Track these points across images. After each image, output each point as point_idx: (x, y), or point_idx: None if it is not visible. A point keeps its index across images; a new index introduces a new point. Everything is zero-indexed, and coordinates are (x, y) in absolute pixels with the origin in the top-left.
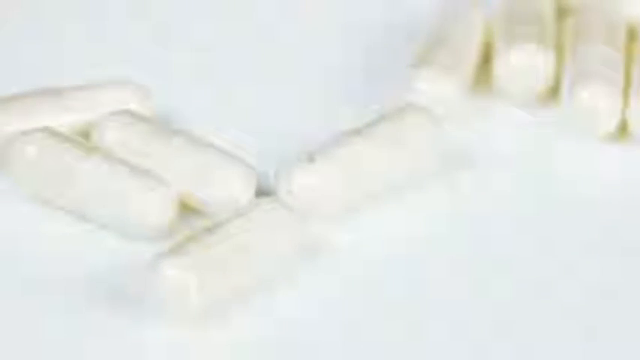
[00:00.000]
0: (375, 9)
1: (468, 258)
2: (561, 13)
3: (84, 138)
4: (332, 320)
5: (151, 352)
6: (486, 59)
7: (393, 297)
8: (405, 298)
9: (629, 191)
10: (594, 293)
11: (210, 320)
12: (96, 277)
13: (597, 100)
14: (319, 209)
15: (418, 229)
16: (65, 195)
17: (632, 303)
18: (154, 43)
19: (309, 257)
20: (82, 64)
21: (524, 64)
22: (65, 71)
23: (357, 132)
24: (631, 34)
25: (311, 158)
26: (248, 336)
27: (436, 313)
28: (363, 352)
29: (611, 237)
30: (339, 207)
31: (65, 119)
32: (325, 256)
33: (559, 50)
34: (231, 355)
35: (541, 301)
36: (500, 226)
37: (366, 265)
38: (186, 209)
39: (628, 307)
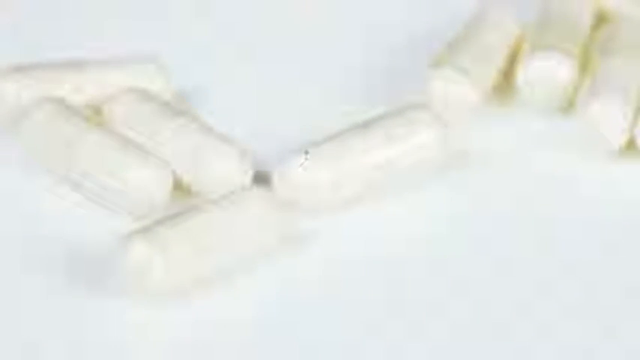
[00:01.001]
0: (403, 10)
1: (457, 258)
2: (600, 20)
3: (96, 112)
4: (295, 312)
5: (112, 329)
6: (513, 65)
7: (369, 291)
8: (382, 292)
9: (629, 192)
10: (595, 293)
11: (173, 299)
12: (75, 253)
13: (608, 115)
14: (309, 201)
15: (407, 228)
16: (66, 165)
17: (633, 302)
18: (190, 24)
19: (289, 245)
20: (115, 38)
21: (545, 72)
22: (99, 44)
23: (356, 127)
24: None
25: (305, 150)
26: (209, 316)
27: (419, 313)
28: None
29: (612, 237)
30: (329, 200)
31: (82, 92)
32: (307, 245)
33: (585, 60)
34: (190, 336)
35: (541, 301)
36: (499, 227)
37: (348, 259)
38: (182, 189)
39: (629, 306)
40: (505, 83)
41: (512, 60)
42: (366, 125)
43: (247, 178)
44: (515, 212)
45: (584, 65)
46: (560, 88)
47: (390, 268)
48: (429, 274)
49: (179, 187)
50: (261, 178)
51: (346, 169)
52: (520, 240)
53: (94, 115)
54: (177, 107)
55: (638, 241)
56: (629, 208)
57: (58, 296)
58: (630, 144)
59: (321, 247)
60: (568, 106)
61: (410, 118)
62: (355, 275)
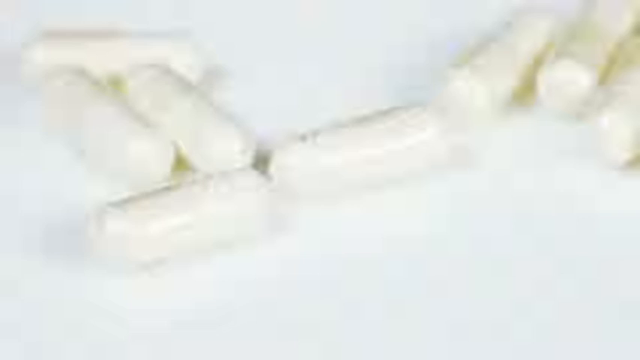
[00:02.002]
0: (425, 10)
1: (453, 254)
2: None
3: (116, 85)
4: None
5: (88, 302)
6: (535, 71)
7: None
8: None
9: (627, 195)
10: (594, 293)
11: (148, 274)
12: (54, 225)
13: (616, 127)
14: (304, 188)
15: (404, 223)
16: (76, 133)
17: (633, 302)
18: (227, 5)
19: (274, 230)
20: (151, 11)
21: (565, 80)
22: (135, 16)
23: (358, 121)
24: None
25: (303, 137)
26: (186, 296)
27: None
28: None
29: (611, 237)
30: (324, 189)
31: (108, 63)
32: (291, 232)
33: (607, 72)
34: (170, 307)
35: (540, 300)
36: (496, 227)
37: (335, 251)
38: (183, 166)
39: (629, 307)
40: (526, 88)
41: (536, 65)
42: (368, 119)
43: (247, 161)
44: (514, 214)
45: (604, 76)
46: (579, 97)
47: (377, 263)
48: (385, 273)
49: (181, 164)
50: (262, 163)
51: (344, 159)
52: (519, 240)
53: (114, 87)
54: (193, 86)
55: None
56: (625, 213)
57: (36, 269)
58: (636, 159)
59: (308, 236)
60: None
61: (413, 115)
62: (345, 268)
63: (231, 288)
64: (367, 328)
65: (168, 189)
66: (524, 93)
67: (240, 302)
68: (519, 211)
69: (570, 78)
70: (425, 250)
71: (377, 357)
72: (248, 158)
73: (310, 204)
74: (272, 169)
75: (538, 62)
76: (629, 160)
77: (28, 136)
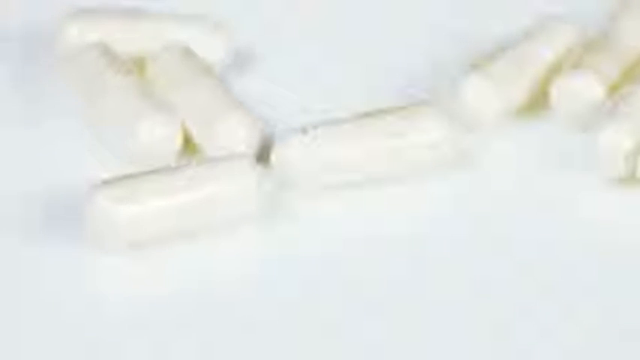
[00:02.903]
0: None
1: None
2: None
3: (138, 64)
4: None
5: (86, 280)
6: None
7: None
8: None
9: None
10: (592, 293)
11: (142, 252)
12: (51, 202)
13: (616, 141)
14: (304, 181)
15: (392, 223)
16: (91, 109)
17: (631, 303)
18: None
19: (268, 219)
20: None
21: (576, 90)
22: None
23: (362, 116)
24: None
25: (304, 130)
26: (179, 268)
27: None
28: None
29: (611, 237)
30: (323, 182)
31: (136, 43)
32: (282, 222)
33: (617, 86)
34: (163, 288)
35: (540, 300)
36: (495, 226)
37: (321, 245)
38: (190, 147)
39: (627, 308)
40: (540, 96)
41: (552, 75)
42: (372, 115)
43: (251, 148)
44: (508, 218)
45: (613, 89)
46: (590, 109)
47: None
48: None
49: (189, 146)
50: (267, 152)
51: (344, 154)
52: (511, 245)
53: (137, 66)
54: (211, 69)
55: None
56: (620, 223)
57: (33, 246)
58: (632, 175)
59: (303, 227)
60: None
61: (418, 113)
62: (336, 262)
63: (220, 273)
64: (362, 323)
65: (161, 170)
66: (538, 101)
67: (227, 288)
68: (513, 217)
69: (583, 89)
70: (419, 249)
71: (374, 336)
72: (253, 146)
73: (308, 196)
74: (272, 159)
75: (554, 72)
76: (628, 175)
77: (51, 112)
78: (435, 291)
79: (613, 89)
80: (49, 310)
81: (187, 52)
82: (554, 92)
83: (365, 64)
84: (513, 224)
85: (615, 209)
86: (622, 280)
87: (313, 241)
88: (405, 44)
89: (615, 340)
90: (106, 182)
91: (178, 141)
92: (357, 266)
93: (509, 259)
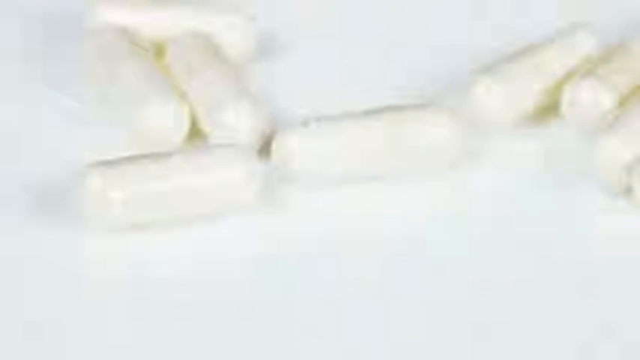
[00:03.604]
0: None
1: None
2: None
3: (158, 50)
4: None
5: (71, 262)
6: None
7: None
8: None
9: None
10: (589, 293)
11: (132, 234)
12: (37, 185)
13: (614, 154)
14: (303, 172)
15: (385, 220)
16: (103, 89)
17: (628, 305)
18: None
19: (262, 208)
20: None
21: (586, 99)
22: None
23: (366, 112)
24: None
25: (305, 122)
26: (168, 253)
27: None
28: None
29: (609, 242)
30: (318, 175)
31: (160, 29)
32: (275, 213)
33: (627, 98)
34: (150, 271)
35: (539, 300)
36: (489, 227)
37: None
38: (198, 134)
39: (623, 309)
40: (552, 102)
41: (567, 82)
42: (377, 111)
43: (254, 139)
44: (510, 219)
45: (623, 102)
46: (599, 118)
47: (362, 246)
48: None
49: (197, 132)
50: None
51: (344, 147)
52: (501, 243)
53: (155, 51)
54: (226, 58)
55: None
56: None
57: (18, 228)
58: (628, 189)
59: (297, 217)
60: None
61: (425, 112)
62: (327, 249)
63: (209, 259)
64: (353, 318)
65: (158, 154)
66: (551, 108)
67: (217, 276)
68: (509, 220)
69: (591, 99)
70: (411, 247)
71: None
72: (256, 136)
73: (305, 188)
74: (273, 150)
75: (569, 80)
76: (627, 186)
77: (66, 92)
78: (429, 288)
79: (623, 100)
80: (44, 290)
81: (205, 40)
82: (564, 100)
83: (385, 60)
84: (509, 227)
85: (611, 218)
86: (620, 279)
87: (303, 234)
88: (425, 43)
89: (607, 344)
90: (101, 163)
91: (185, 126)
92: (341, 265)
93: (506, 259)
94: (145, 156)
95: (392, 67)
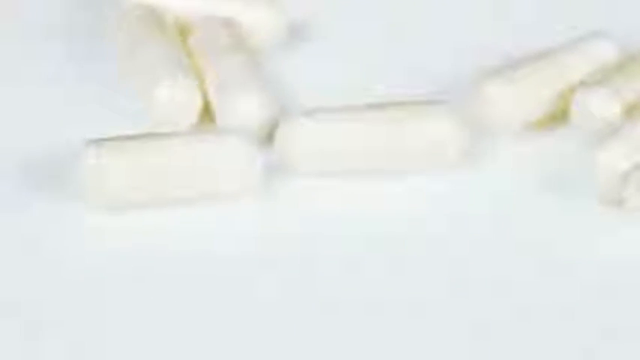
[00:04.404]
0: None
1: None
2: None
3: (181, 31)
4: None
5: (70, 236)
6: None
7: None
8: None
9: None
10: (587, 295)
11: (130, 209)
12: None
13: (611, 165)
14: (297, 164)
15: (393, 209)
16: (124, 65)
17: (627, 309)
18: None
19: (257, 197)
20: None
21: (593, 107)
22: None
23: (370, 106)
24: None
25: (307, 113)
26: (164, 226)
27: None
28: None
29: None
30: (318, 167)
31: (187, 10)
32: (269, 202)
33: (634, 108)
34: (147, 245)
35: (539, 301)
36: (487, 228)
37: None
38: (208, 117)
39: (622, 313)
40: (562, 109)
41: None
42: (381, 106)
43: (261, 127)
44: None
45: (630, 112)
46: (604, 127)
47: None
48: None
49: (207, 115)
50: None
51: (344, 141)
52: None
53: (181, 33)
54: (246, 44)
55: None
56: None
57: (15, 202)
58: (620, 202)
59: (292, 208)
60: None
61: (427, 109)
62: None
63: (207, 235)
64: (349, 316)
65: (160, 134)
66: (560, 115)
67: (215, 252)
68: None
69: (598, 107)
70: (404, 246)
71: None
72: (262, 125)
73: (303, 179)
74: (274, 141)
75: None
76: (622, 197)
77: (107, 70)
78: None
79: (630, 109)
80: (43, 266)
81: (228, 24)
82: (572, 108)
83: (401, 56)
84: (507, 228)
85: (610, 224)
86: (620, 284)
87: (292, 225)
88: (445, 42)
89: (608, 347)
90: (101, 140)
91: (196, 109)
92: (338, 264)
93: (506, 261)
94: (145, 135)
95: (408, 63)
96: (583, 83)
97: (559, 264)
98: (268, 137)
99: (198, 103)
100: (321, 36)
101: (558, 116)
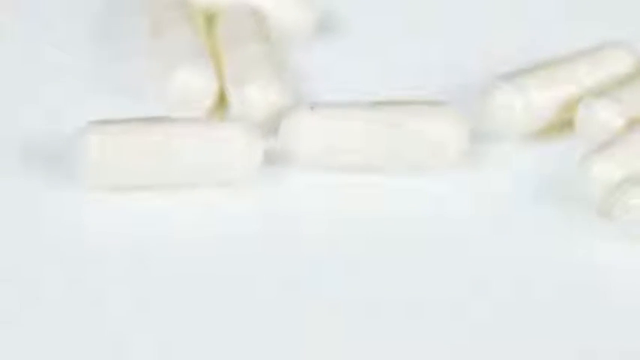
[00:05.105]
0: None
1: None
2: None
3: (208, 19)
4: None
5: (68, 219)
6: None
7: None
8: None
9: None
10: (583, 292)
11: (128, 192)
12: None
13: (604, 174)
14: (305, 156)
15: (392, 207)
16: (149, 48)
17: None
18: None
19: (253, 187)
20: None
21: (597, 117)
22: None
23: (376, 103)
24: None
25: (312, 106)
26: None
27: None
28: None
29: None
30: (319, 161)
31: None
32: (265, 192)
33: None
34: (147, 227)
35: (539, 300)
36: (486, 228)
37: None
38: (223, 107)
39: (617, 310)
40: (570, 117)
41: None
42: (387, 103)
43: (270, 117)
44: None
45: (632, 124)
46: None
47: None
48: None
49: (222, 103)
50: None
51: (345, 136)
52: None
53: (206, 20)
54: (269, 34)
55: None
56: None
57: (14, 185)
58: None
59: (288, 199)
60: None
61: (430, 109)
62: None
63: (205, 219)
64: (346, 315)
65: (163, 118)
66: (568, 123)
67: (213, 235)
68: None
69: (604, 117)
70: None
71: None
72: (272, 116)
73: (303, 172)
74: (279, 130)
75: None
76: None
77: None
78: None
79: (634, 121)
80: (43, 247)
81: (253, 13)
82: (578, 117)
83: (422, 55)
84: (506, 229)
85: (606, 230)
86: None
87: (284, 223)
88: (463, 43)
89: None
90: (101, 122)
91: (211, 96)
92: (335, 263)
93: (502, 260)
94: (149, 119)
95: (427, 61)
96: (590, 93)
97: (559, 264)
98: (276, 128)
99: (213, 90)
100: (347, 30)
101: (566, 124)
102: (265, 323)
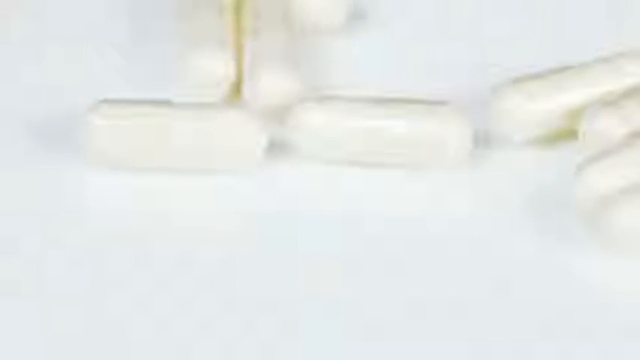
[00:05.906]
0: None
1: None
2: None
3: (236, 6)
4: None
5: (71, 196)
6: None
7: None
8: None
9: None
10: (582, 292)
11: (129, 169)
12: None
13: (598, 187)
14: (303, 148)
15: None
16: (176, 26)
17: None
18: None
19: (251, 178)
20: None
21: (599, 127)
22: None
23: (382, 100)
24: None
25: (319, 99)
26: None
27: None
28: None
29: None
30: (322, 154)
31: None
32: (263, 183)
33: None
34: (149, 203)
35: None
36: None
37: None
38: (236, 91)
39: (617, 311)
40: (575, 124)
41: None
42: (393, 100)
43: (279, 107)
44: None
45: (634, 136)
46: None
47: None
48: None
49: (235, 89)
50: None
51: (349, 131)
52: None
53: (236, 6)
54: (293, 23)
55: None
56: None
57: (18, 164)
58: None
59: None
60: None
61: (433, 109)
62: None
63: (196, 209)
64: (343, 314)
65: (171, 102)
66: (575, 131)
67: (214, 213)
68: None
69: (607, 127)
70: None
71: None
72: (282, 106)
73: (305, 164)
74: (286, 121)
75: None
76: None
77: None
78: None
79: (636, 134)
80: (45, 224)
81: (280, 1)
82: (581, 125)
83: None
84: (504, 228)
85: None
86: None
87: (284, 222)
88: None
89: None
90: (106, 102)
91: (227, 83)
92: (333, 262)
93: (502, 260)
94: (155, 101)
95: (451, 60)
96: (597, 102)
97: (558, 265)
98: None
99: (230, 77)
100: (375, 24)
101: (571, 132)
102: (264, 323)
